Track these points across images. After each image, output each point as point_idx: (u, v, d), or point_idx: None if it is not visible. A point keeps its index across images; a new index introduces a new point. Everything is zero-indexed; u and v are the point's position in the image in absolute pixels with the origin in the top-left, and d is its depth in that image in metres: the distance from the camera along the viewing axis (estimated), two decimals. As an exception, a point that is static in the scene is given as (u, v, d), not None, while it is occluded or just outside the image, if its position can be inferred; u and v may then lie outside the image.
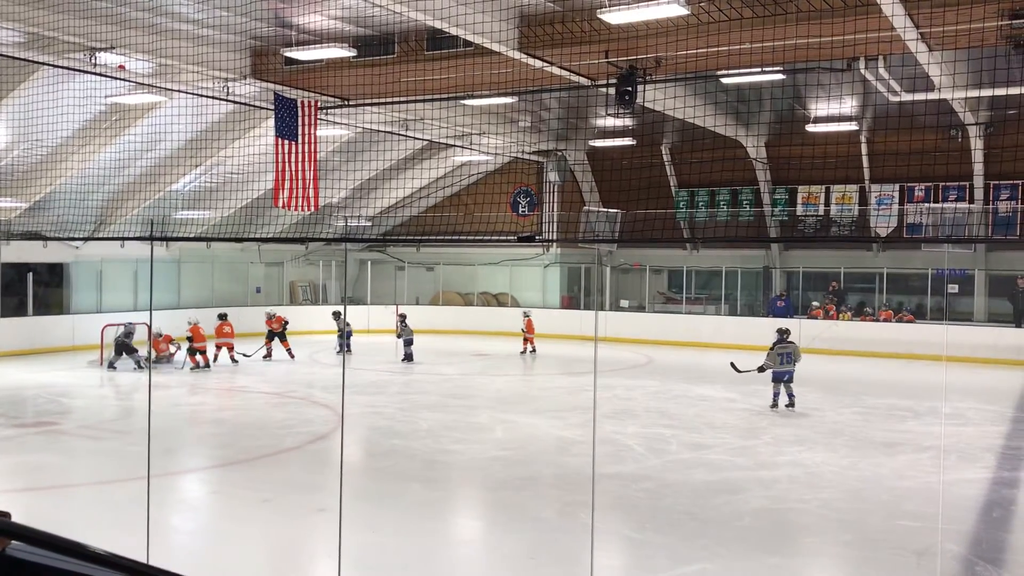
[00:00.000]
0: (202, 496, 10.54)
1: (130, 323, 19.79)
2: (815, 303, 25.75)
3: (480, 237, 24.78)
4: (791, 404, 15.33)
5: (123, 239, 18.90)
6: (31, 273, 22.66)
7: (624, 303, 28.34)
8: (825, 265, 26.81)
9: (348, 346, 20.65)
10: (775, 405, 15.40)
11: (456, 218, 26.65)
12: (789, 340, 15.56)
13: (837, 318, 25.17)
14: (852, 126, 22.06)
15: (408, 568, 7.77)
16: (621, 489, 10.10)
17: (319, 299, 30.73)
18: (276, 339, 21.98)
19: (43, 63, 14.67)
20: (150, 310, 19.61)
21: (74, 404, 16.04)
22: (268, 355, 21.73)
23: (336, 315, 23.93)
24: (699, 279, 28.75)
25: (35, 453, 11.74)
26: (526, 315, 23.99)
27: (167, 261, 25.76)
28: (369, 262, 30.52)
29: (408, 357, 21.35)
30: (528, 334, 23.54)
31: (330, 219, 26.92)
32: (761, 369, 15.46)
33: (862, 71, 15.25)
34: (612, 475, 10.59)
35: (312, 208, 16.77)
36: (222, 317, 21.17)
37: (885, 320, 24.63)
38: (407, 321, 22.07)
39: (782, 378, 15.39)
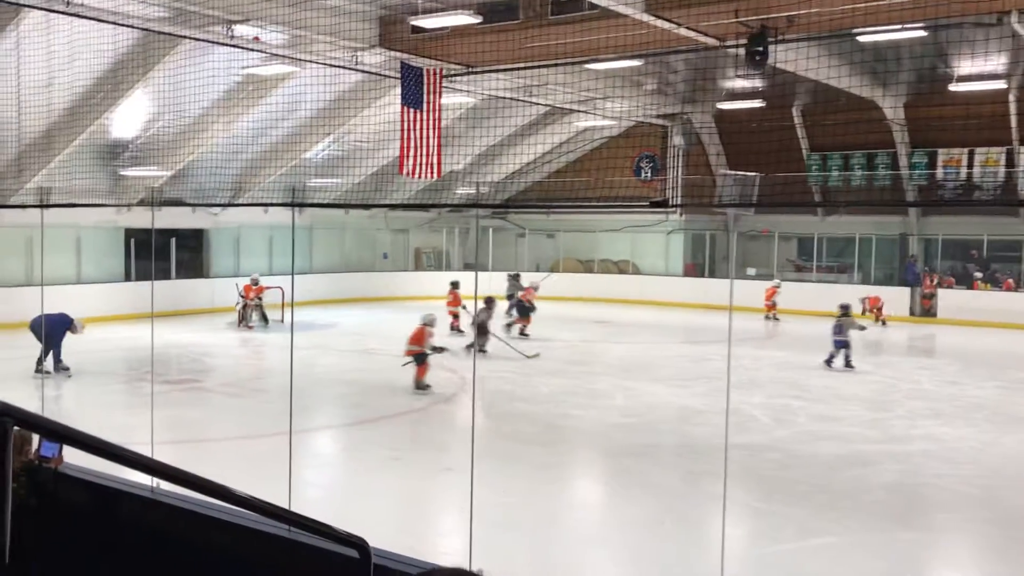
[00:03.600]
0: (335, 452, 10.95)
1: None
2: (924, 269, 24.69)
3: (611, 203, 24.53)
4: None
5: (267, 204, 19.64)
6: (174, 238, 23.86)
7: (751, 271, 27.66)
8: (967, 232, 25.44)
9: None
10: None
11: (578, 184, 26.52)
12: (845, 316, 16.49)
13: (977, 288, 24.00)
14: (1000, 84, 20.76)
15: (534, 528, 7.89)
16: (747, 459, 9.94)
17: (442, 265, 31.25)
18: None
19: (185, 36, 15.31)
20: (292, 274, 20.27)
21: (215, 363, 16.87)
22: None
23: None
24: (831, 246, 27.77)
25: (180, 408, 12.42)
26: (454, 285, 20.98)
27: (300, 227, 26.64)
28: (491, 229, 30.78)
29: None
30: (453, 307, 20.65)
31: (454, 186, 27.25)
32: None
33: (1014, 25, 14.29)
34: (738, 445, 10.43)
35: (435, 176, 17.00)
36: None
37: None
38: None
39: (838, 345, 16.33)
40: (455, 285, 20.80)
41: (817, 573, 7.06)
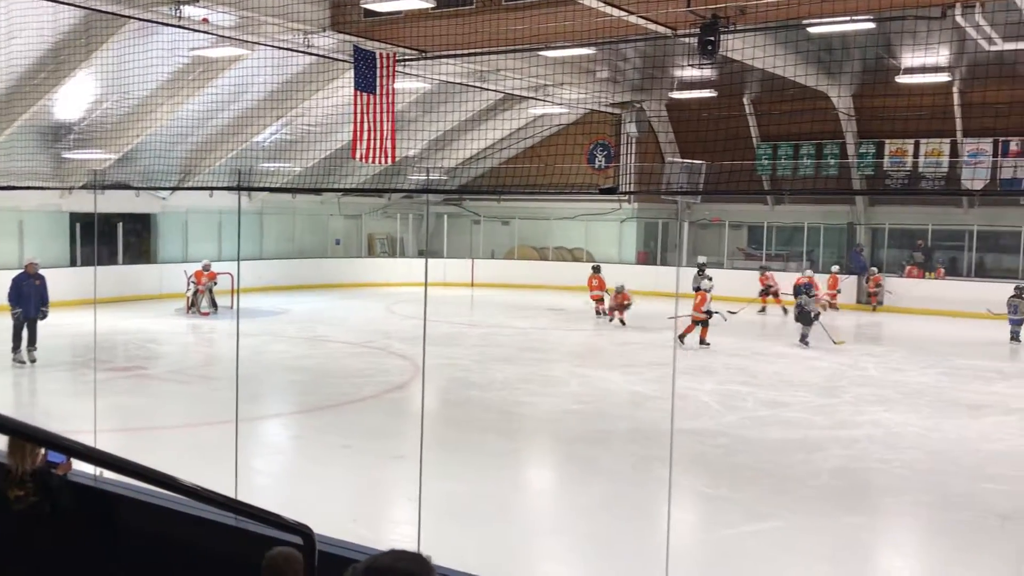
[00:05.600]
0: (285, 440, 10.85)
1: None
2: (873, 269, 24.99)
3: (562, 191, 24.60)
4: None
5: (211, 188, 19.39)
6: (121, 223, 23.41)
7: (702, 259, 27.92)
8: (912, 222, 25.95)
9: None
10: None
11: (532, 171, 26.50)
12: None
13: (924, 276, 24.52)
14: (945, 77, 21.16)
15: (485, 516, 7.90)
16: (696, 445, 10.06)
17: (396, 252, 31.08)
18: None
19: (130, 16, 14.97)
20: (237, 260, 20.04)
21: (162, 350, 16.61)
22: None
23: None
24: (780, 235, 28.14)
25: (126, 396, 12.21)
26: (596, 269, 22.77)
27: (250, 212, 26.30)
28: (445, 216, 30.68)
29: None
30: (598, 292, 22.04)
31: (408, 172, 27.09)
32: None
33: (958, 18, 14.57)
34: (688, 431, 10.54)
35: (389, 161, 16.88)
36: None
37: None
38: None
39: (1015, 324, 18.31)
40: (596, 270, 22.11)
41: (763, 557, 7.16)
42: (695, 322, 17.19)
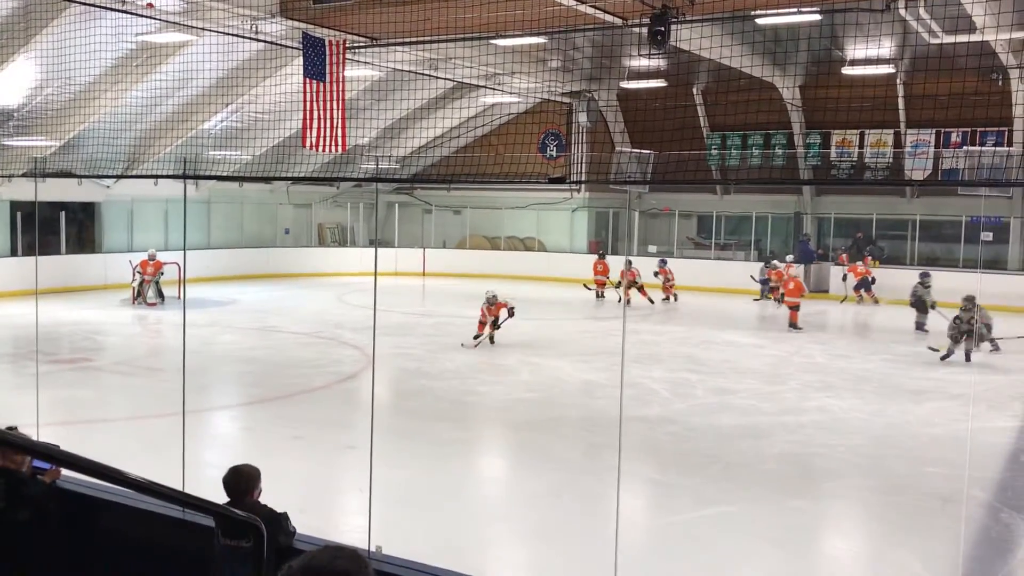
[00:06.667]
0: (234, 432, 10.74)
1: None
2: (775, 263, 25.13)
3: (511, 179, 24.58)
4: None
5: (156, 176, 18.98)
6: (64, 212, 22.89)
7: (652, 248, 28.16)
8: (857, 211, 26.44)
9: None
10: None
11: (484, 160, 26.43)
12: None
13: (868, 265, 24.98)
14: (889, 69, 21.54)
15: (436, 504, 7.91)
16: (646, 432, 10.17)
17: (347, 241, 30.85)
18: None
19: (72, 0, 14.62)
20: (183, 249, 19.71)
21: (107, 341, 16.32)
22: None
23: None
24: (728, 224, 28.47)
25: (71, 388, 11.98)
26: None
27: (197, 201, 25.88)
28: (397, 205, 30.50)
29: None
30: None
31: (358, 160, 26.87)
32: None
33: (901, 12, 14.85)
34: (637, 418, 10.66)
35: (340, 149, 16.73)
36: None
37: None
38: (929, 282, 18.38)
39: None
40: (602, 256, 23.69)
41: (711, 542, 7.28)
42: (793, 308, 18.25)
